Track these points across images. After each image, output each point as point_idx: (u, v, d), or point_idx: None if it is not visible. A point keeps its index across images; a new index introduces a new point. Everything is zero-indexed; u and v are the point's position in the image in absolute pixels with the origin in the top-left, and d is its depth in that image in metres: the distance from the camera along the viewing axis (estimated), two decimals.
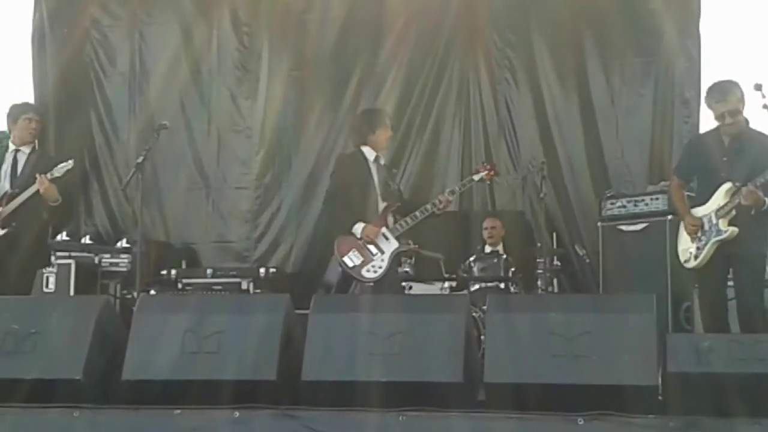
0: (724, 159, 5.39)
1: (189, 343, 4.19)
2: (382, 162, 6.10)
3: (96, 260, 7.99)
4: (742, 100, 5.39)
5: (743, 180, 5.26)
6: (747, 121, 5.45)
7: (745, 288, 5.32)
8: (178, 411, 3.96)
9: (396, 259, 5.94)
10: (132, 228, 8.33)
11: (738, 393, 3.86)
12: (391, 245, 5.87)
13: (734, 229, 5.28)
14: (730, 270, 5.45)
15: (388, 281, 5.85)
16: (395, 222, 5.96)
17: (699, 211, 5.49)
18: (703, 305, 5.55)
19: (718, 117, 5.44)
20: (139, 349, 4.23)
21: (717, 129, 5.52)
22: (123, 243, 8.15)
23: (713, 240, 5.33)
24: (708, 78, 8.05)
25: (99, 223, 8.95)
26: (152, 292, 7.37)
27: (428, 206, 5.96)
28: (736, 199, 5.26)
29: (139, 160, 6.15)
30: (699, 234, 5.42)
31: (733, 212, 5.29)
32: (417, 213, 5.95)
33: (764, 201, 5.20)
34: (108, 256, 7.99)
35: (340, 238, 5.97)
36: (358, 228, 5.86)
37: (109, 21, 9.13)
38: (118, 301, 7.72)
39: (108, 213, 8.95)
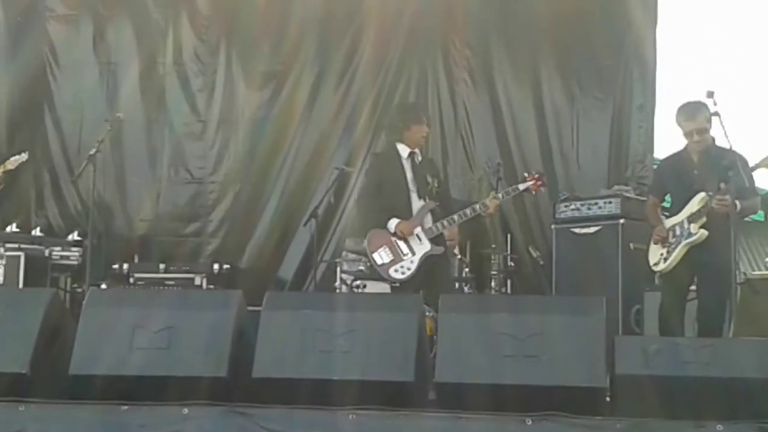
0: (695, 172, 5.67)
1: (138, 338, 4.14)
2: (419, 159, 6.03)
3: (46, 253, 7.84)
4: (709, 120, 5.60)
5: (714, 190, 5.48)
6: (713, 139, 5.69)
7: (708, 296, 5.50)
8: (126, 407, 3.91)
9: (427, 262, 5.81)
10: (83, 221, 8.21)
11: (683, 396, 3.92)
12: (423, 247, 5.81)
13: (704, 232, 5.49)
14: (695, 279, 5.66)
15: (414, 284, 5.75)
16: (434, 222, 5.89)
17: (670, 221, 5.74)
18: (663, 308, 5.70)
19: (687, 134, 5.72)
20: (88, 344, 4.17)
21: (686, 148, 5.79)
22: (74, 236, 8.02)
23: (684, 242, 5.56)
24: (663, 85, 8.21)
25: (50, 215, 8.79)
26: (103, 286, 7.28)
27: (468, 211, 5.93)
28: (708, 205, 5.48)
29: (92, 152, 6.09)
30: (670, 239, 5.65)
31: (704, 218, 5.51)
32: (455, 217, 5.91)
33: (735, 205, 5.34)
34: (58, 248, 7.85)
35: (373, 232, 5.89)
36: (393, 223, 5.80)
37: (64, 11, 8.96)
38: (68, 294, 7.61)
39: (59, 205, 8.79)
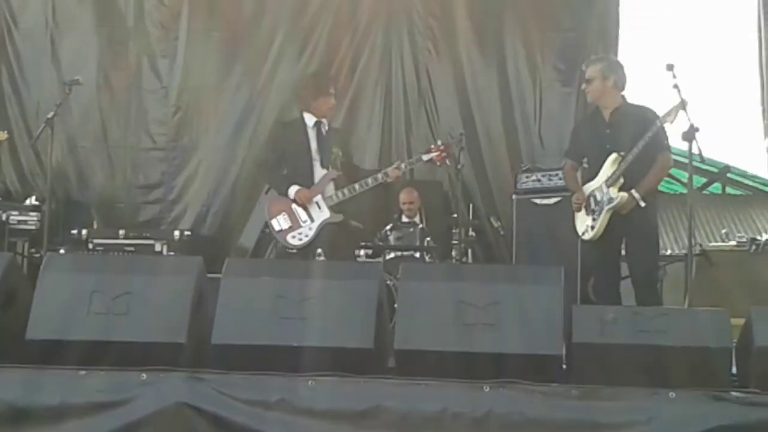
0: (607, 131, 5.61)
1: (96, 303, 4.10)
2: (325, 128, 6.03)
3: (3, 217, 7.74)
4: (603, 72, 5.65)
5: (627, 149, 5.45)
6: (623, 99, 5.67)
7: (638, 259, 5.51)
8: (84, 372, 3.88)
9: (325, 229, 5.88)
10: (42, 185, 8.11)
11: (638, 364, 3.99)
12: (322, 214, 5.86)
13: (624, 194, 5.43)
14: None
15: (313, 251, 5.80)
16: (335, 190, 5.93)
17: (589, 186, 5.67)
18: (597, 276, 5.74)
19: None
20: (45, 309, 4.12)
21: (598, 108, 5.77)
22: (32, 200, 7.93)
23: (606, 208, 5.49)
24: (624, 57, 8.25)
25: (8, 179, 8.65)
26: (61, 251, 7.20)
27: (369, 180, 5.95)
28: (622, 166, 5.44)
29: (50, 115, 6.00)
30: (593, 206, 5.59)
31: (622, 180, 5.46)
32: (357, 186, 5.94)
33: (638, 202, 5.40)
34: (16, 213, 7.75)
35: (272, 199, 5.98)
36: (292, 190, 5.85)
37: None
38: (25, 259, 7.52)
39: (17, 169, 8.64)
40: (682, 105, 5.28)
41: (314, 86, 6.12)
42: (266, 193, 6.77)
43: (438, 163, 6.49)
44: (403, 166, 6.19)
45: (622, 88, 5.69)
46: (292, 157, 5.97)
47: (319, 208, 5.88)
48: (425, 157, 6.33)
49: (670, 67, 5.38)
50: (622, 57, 8.15)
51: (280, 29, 8.65)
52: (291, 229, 5.84)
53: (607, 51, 8.18)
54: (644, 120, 5.46)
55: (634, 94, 5.81)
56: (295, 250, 5.84)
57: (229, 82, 8.68)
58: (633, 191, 5.41)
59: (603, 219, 5.49)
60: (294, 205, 5.87)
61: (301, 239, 5.82)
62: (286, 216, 5.86)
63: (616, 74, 5.66)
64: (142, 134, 8.72)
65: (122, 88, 8.71)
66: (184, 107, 8.70)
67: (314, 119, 6.00)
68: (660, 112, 5.43)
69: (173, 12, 8.70)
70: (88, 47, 8.66)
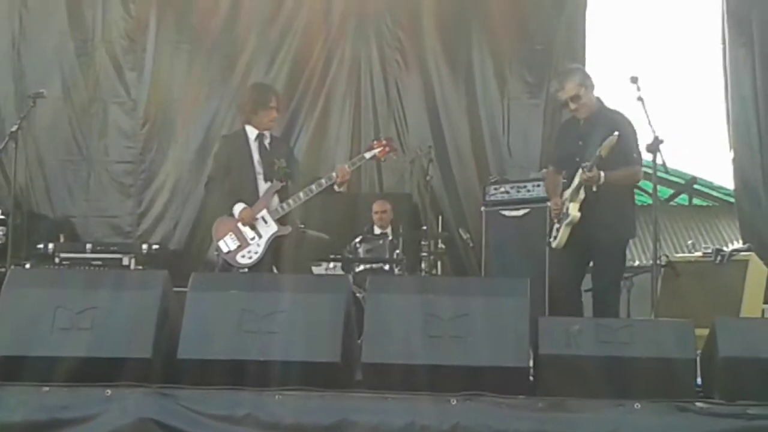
0: (580, 143, 5.48)
1: (60, 318, 4.05)
2: (267, 141, 5.92)
3: None
4: (582, 83, 5.51)
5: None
6: (599, 101, 5.54)
7: (599, 275, 5.47)
8: (47, 389, 3.84)
9: (274, 243, 5.76)
10: (6, 198, 8.02)
11: (603, 375, 4.00)
12: (269, 229, 5.74)
13: (576, 215, 5.34)
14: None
15: (265, 267, 5.69)
16: (280, 202, 5.82)
17: (565, 194, 5.58)
18: (558, 285, 5.71)
19: (563, 105, 5.64)
20: (8, 325, 4.07)
21: (573, 115, 5.65)
22: None
23: (564, 223, 5.43)
24: (591, 70, 8.31)
25: None
26: (27, 266, 7.12)
27: (313, 186, 5.80)
28: (582, 178, 5.32)
29: (13, 128, 5.94)
30: (561, 216, 5.52)
31: (582, 194, 5.36)
32: (301, 194, 5.78)
33: (599, 176, 5.27)
34: None
35: (219, 221, 5.85)
36: (237, 209, 5.74)
37: None
38: None
39: None
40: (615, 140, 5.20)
41: (255, 99, 5.97)
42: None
43: (383, 158, 6.29)
44: (346, 167, 5.97)
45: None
46: (236, 170, 5.83)
47: (266, 222, 5.75)
48: (368, 155, 6.18)
49: (634, 80, 5.41)
50: (588, 70, 8.23)
51: (249, 41, 8.65)
52: (240, 248, 5.71)
53: (574, 62, 8.24)
54: (613, 129, 5.35)
55: None
56: (246, 270, 5.70)
57: (198, 94, 8.66)
58: (601, 172, 5.28)
59: (562, 233, 5.44)
60: (240, 224, 5.74)
61: (251, 257, 5.70)
62: (233, 236, 5.73)
63: (588, 78, 5.56)
64: (110, 147, 8.67)
65: (89, 101, 8.66)
66: (152, 120, 8.67)
67: (256, 132, 5.89)
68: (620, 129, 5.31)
69: (141, 24, 8.68)
70: (55, 60, 8.62)
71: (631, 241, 5.95)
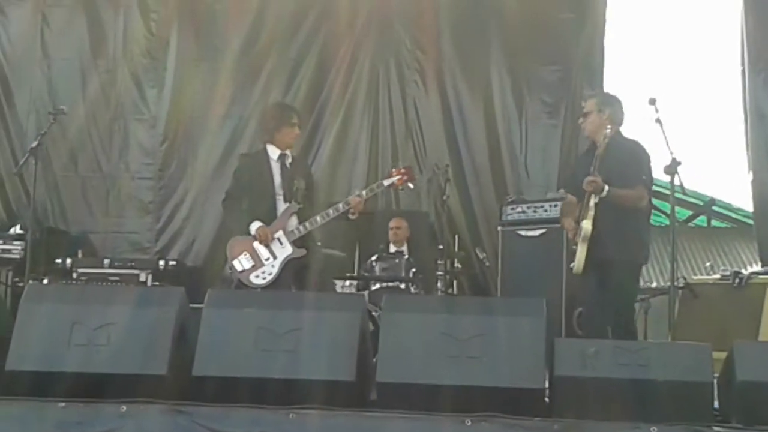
0: (591, 169, 5.46)
1: (77, 334, 4.06)
2: (289, 161, 5.90)
3: None
4: (599, 107, 5.57)
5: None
6: (618, 132, 5.57)
7: (611, 295, 5.43)
8: (64, 404, 3.85)
9: (289, 265, 5.73)
10: (26, 214, 8.09)
11: (620, 397, 3.97)
12: (284, 251, 5.71)
13: (588, 228, 5.33)
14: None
15: (282, 288, 5.65)
16: (299, 223, 5.79)
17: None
18: (584, 310, 5.69)
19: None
20: (25, 340, 4.08)
21: (593, 142, 5.67)
22: (16, 229, 7.88)
23: (579, 239, 5.40)
24: (610, 89, 8.31)
25: None
26: (45, 281, 7.17)
27: (330, 210, 5.79)
28: (594, 200, 5.36)
29: (34, 144, 6.00)
30: (576, 235, 5.51)
31: (592, 210, 5.36)
32: (318, 218, 5.75)
33: (602, 187, 5.31)
34: (0, 242, 7.73)
35: (234, 239, 5.81)
36: (254, 227, 5.71)
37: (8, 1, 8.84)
38: (9, 289, 7.48)
39: (2, 198, 8.67)
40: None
41: (277, 116, 5.96)
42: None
43: (400, 187, 6.23)
44: (363, 193, 5.96)
45: (619, 123, 5.59)
46: (255, 189, 5.82)
47: (281, 244, 5.72)
48: (386, 182, 6.12)
49: (652, 102, 5.41)
50: (607, 88, 8.26)
51: (269, 60, 8.71)
52: (254, 268, 5.68)
53: (592, 84, 8.27)
54: (630, 155, 5.41)
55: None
56: (259, 290, 5.66)
57: (217, 111, 8.71)
58: (606, 185, 5.33)
59: (580, 251, 5.40)
60: (255, 243, 5.70)
61: (264, 278, 5.67)
62: (247, 255, 5.70)
63: (611, 107, 5.58)
64: (130, 163, 8.74)
65: (110, 118, 8.74)
66: (172, 136, 8.73)
67: (278, 152, 5.86)
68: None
69: (161, 42, 8.76)
70: (76, 77, 8.71)
71: (649, 263, 5.89)
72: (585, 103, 5.75)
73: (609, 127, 5.45)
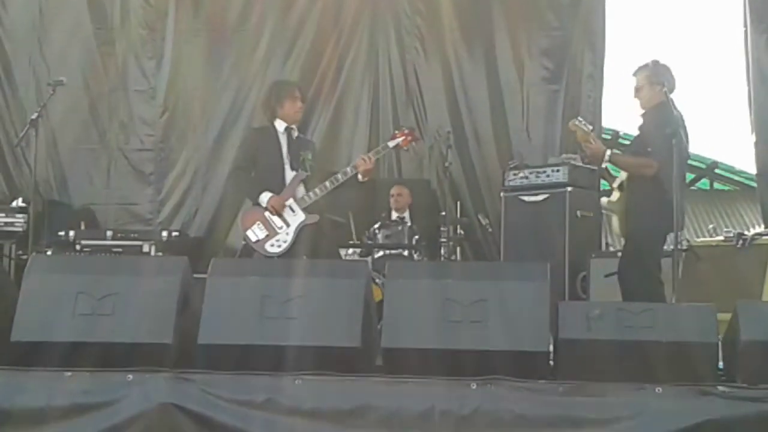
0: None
1: (82, 304, 4.07)
2: (295, 134, 5.99)
3: None
4: (649, 78, 5.51)
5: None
6: (664, 101, 5.47)
7: (622, 261, 5.51)
8: (70, 374, 3.86)
9: (303, 232, 5.80)
10: (28, 187, 8.08)
11: (625, 359, 3.99)
12: (297, 218, 5.77)
13: (612, 197, 5.47)
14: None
15: (296, 256, 5.70)
16: (306, 192, 5.86)
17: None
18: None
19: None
20: (30, 311, 4.09)
21: None
22: (19, 202, 7.88)
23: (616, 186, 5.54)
24: (610, 54, 8.29)
25: None
26: (48, 253, 7.17)
27: (339, 175, 5.85)
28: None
29: (33, 116, 5.97)
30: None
31: (621, 181, 5.49)
32: (327, 183, 5.83)
33: (603, 152, 5.39)
34: (2, 215, 7.71)
35: (245, 211, 5.90)
36: (265, 197, 5.77)
37: None
38: (12, 262, 7.49)
39: (3, 171, 8.65)
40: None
41: (278, 93, 6.01)
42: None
43: (405, 148, 6.32)
44: (370, 156, 6.00)
45: (671, 91, 5.52)
46: (264, 160, 5.88)
47: (293, 211, 5.77)
48: (391, 144, 6.20)
49: (654, 64, 5.38)
50: (607, 55, 8.22)
51: (267, 29, 8.65)
52: (268, 237, 5.73)
53: (594, 49, 8.22)
54: (646, 125, 5.45)
55: (618, 91, 5.81)
56: (263, 259, 5.71)
57: (216, 82, 8.69)
58: (608, 150, 5.43)
59: (612, 223, 5.53)
60: (267, 213, 5.76)
61: (280, 246, 5.71)
62: (261, 225, 5.74)
63: (664, 78, 5.51)
64: (130, 135, 8.71)
65: (109, 90, 8.70)
66: (172, 108, 8.70)
67: (284, 125, 5.93)
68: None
69: (159, 12, 8.70)
70: (74, 48, 8.65)
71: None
72: (635, 77, 5.61)
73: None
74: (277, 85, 6.29)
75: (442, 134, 7.83)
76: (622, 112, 6.05)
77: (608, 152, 5.36)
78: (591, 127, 5.57)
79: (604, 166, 5.44)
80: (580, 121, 5.48)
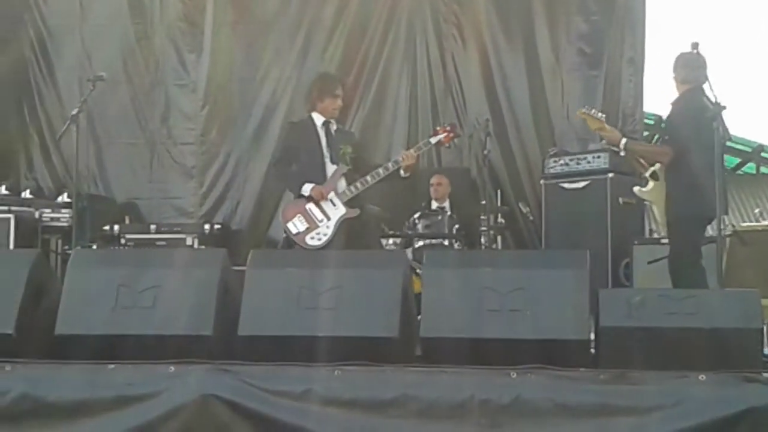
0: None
1: (123, 297, 4.13)
2: (334, 127, 6.00)
3: (36, 215, 7.85)
4: (674, 69, 5.51)
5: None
6: (686, 92, 5.50)
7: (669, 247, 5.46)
8: (113, 366, 3.92)
9: (343, 226, 5.80)
10: (72, 183, 8.19)
11: (668, 346, 3.94)
12: (338, 211, 5.78)
13: (647, 187, 5.46)
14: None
15: (334, 249, 5.70)
16: (348, 185, 5.86)
17: None
18: None
19: None
20: (73, 304, 4.16)
21: None
22: (64, 198, 8.01)
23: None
24: (651, 38, 8.17)
25: (39, 176, 8.80)
26: (93, 247, 7.27)
27: (380, 170, 5.85)
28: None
29: (74, 112, 6.04)
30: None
31: (652, 168, 5.45)
32: (368, 177, 5.82)
33: (618, 138, 5.39)
34: (48, 210, 7.85)
35: (286, 203, 5.93)
36: (307, 188, 5.79)
37: None
38: (59, 256, 7.61)
39: (48, 167, 8.79)
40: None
41: (320, 87, 6.02)
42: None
43: (447, 144, 6.33)
44: (411, 151, 5.98)
45: (691, 82, 5.47)
46: (304, 154, 5.89)
47: (334, 205, 5.78)
48: (433, 140, 6.15)
49: (695, 46, 5.30)
50: (650, 38, 8.11)
51: (305, 20, 8.66)
52: (308, 230, 5.74)
53: (634, 33, 8.11)
54: (669, 114, 5.43)
55: (660, 75, 5.74)
56: (302, 250, 5.71)
57: (256, 74, 8.73)
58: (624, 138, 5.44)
59: (654, 211, 5.51)
60: (308, 205, 5.77)
61: (320, 239, 5.72)
62: (301, 218, 5.76)
63: (686, 70, 5.48)
64: (172, 129, 8.79)
65: (150, 84, 8.78)
66: (212, 101, 8.76)
67: (323, 119, 5.95)
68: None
69: (198, 6, 8.76)
70: (115, 44, 8.74)
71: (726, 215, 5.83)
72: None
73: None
74: (322, 79, 6.27)
75: (481, 122, 7.77)
76: (666, 97, 5.95)
77: (623, 140, 5.36)
78: (603, 115, 5.50)
79: (622, 155, 5.40)
80: (588, 110, 5.45)
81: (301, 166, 5.92)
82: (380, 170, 5.85)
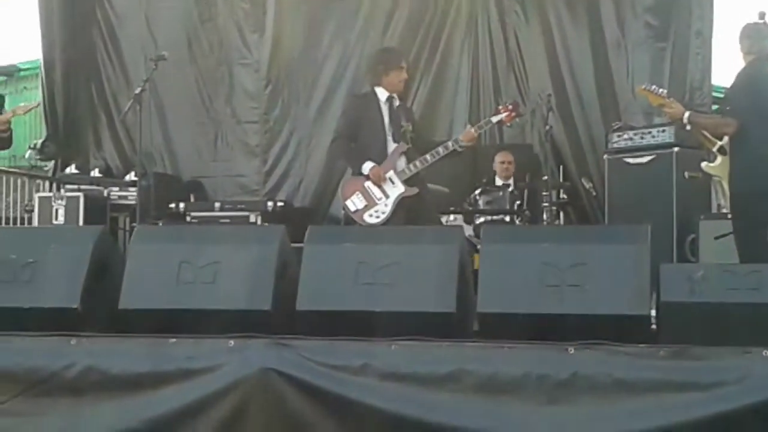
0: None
1: (184, 273, 4.19)
2: (397, 103, 5.98)
3: (105, 193, 8.06)
4: (740, 41, 5.40)
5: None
6: (757, 59, 5.39)
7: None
8: (174, 340, 3.98)
9: (401, 204, 5.82)
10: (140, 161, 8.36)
11: (730, 322, 3.86)
12: (396, 190, 5.79)
13: (715, 161, 5.41)
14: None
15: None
16: (407, 163, 5.86)
17: None
18: None
19: None
20: (136, 279, 4.24)
21: None
22: (131, 176, 8.18)
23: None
24: (719, 10, 7.95)
25: (108, 156, 9.02)
26: (159, 224, 7.40)
27: (440, 149, 5.84)
28: None
29: (137, 91, 6.15)
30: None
31: (719, 142, 5.40)
32: (428, 156, 5.82)
33: (681, 112, 5.33)
34: (116, 189, 8.05)
35: (346, 180, 5.96)
36: (367, 167, 5.80)
37: None
38: (126, 234, 7.78)
39: (116, 146, 8.99)
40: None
41: (386, 60, 6.01)
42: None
43: (508, 123, 6.33)
44: (473, 130, 5.96)
45: (757, 52, 5.38)
46: (366, 130, 5.88)
47: (393, 183, 5.78)
48: (494, 119, 6.10)
49: (762, 16, 5.17)
50: (717, 8, 7.89)
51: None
52: (367, 207, 5.77)
53: (702, 5, 7.90)
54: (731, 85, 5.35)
55: (728, 46, 5.61)
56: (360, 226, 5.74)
57: (317, 52, 8.77)
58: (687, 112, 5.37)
59: (722, 186, 5.47)
60: (367, 183, 5.78)
61: (378, 217, 5.74)
62: (360, 195, 5.79)
63: (750, 41, 5.40)
64: (236, 107, 8.89)
65: (214, 63, 8.89)
66: (275, 80, 8.84)
67: (386, 94, 5.91)
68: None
69: None
70: (180, 25, 8.87)
71: None
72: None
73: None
74: (386, 52, 6.30)
75: (543, 97, 7.69)
76: (731, 69, 5.81)
77: (686, 114, 5.24)
78: (664, 91, 5.42)
79: (687, 128, 5.30)
80: (648, 86, 5.36)
81: (362, 142, 5.92)
82: (440, 149, 5.84)
